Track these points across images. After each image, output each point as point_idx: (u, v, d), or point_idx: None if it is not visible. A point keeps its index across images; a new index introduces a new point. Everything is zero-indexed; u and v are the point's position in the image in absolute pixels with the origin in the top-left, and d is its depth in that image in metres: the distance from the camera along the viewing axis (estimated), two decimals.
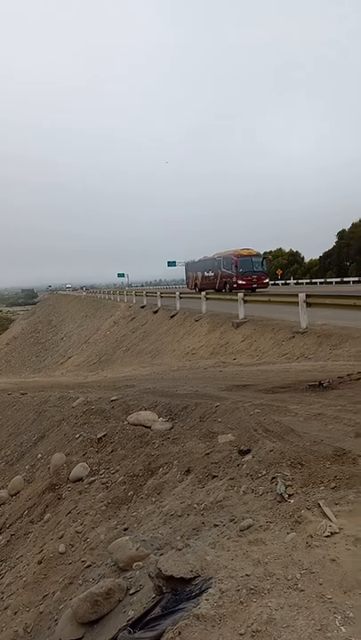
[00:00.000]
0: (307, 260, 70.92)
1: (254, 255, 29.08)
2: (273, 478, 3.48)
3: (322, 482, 3.24)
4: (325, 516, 2.80)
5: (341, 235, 62.57)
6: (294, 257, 69.83)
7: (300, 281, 51.11)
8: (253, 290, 26.74)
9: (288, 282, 50.39)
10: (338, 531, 2.61)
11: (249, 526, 2.97)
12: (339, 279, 48.63)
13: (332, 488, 3.14)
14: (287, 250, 71.16)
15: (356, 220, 62.44)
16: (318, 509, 2.89)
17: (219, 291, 29.35)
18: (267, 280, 29.80)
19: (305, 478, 3.35)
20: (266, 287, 28.85)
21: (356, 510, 2.81)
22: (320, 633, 1.91)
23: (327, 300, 11.38)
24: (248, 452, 4.14)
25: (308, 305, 11.24)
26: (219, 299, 18.41)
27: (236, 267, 27.99)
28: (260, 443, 4.18)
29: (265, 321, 13.28)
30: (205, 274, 33.48)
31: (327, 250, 64.73)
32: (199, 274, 34.77)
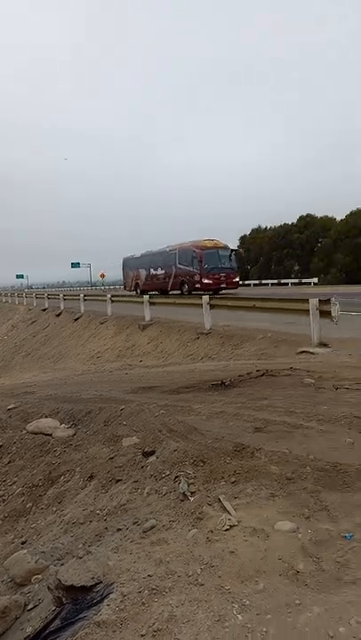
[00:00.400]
0: None
1: (221, 247, 23.35)
2: (176, 477, 3.51)
3: (223, 477, 3.34)
4: (225, 510, 2.88)
5: (243, 239, 65.92)
6: None
7: None
8: (217, 291, 21.40)
9: None
10: (237, 523, 2.70)
11: (152, 527, 2.97)
12: (241, 282, 51.10)
13: (232, 482, 3.24)
14: None
15: (255, 225, 66.26)
16: (219, 504, 2.98)
17: (167, 293, 23.40)
18: (237, 279, 23.75)
19: (207, 475, 3.43)
20: (236, 288, 23.21)
21: (254, 502, 2.93)
22: (218, 623, 1.96)
23: (229, 302, 11.93)
24: (152, 453, 4.14)
25: (212, 307, 11.66)
26: (125, 301, 18.40)
27: (199, 262, 22.41)
28: (164, 443, 4.21)
29: (171, 323, 13.49)
30: (152, 272, 27.01)
31: None
32: (143, 272, 28.23)
